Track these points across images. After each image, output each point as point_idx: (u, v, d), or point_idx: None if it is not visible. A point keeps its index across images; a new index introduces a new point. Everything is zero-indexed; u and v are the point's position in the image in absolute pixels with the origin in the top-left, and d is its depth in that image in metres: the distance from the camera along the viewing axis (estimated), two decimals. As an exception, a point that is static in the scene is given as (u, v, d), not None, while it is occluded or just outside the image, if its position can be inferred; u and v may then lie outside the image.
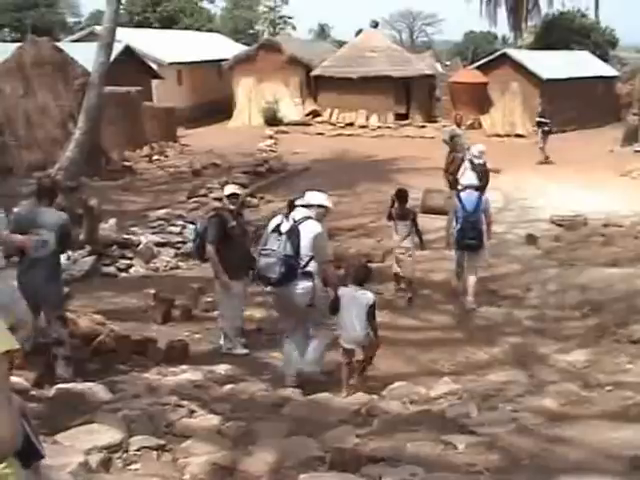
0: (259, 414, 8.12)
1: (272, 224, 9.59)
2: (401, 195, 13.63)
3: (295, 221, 9.35)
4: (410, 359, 10.71)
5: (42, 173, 9.88)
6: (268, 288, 10.14)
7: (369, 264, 11.05)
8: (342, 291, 9.32)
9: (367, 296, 9.27)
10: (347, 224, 17.86)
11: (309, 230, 9.30)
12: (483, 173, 18.48)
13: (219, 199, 21.57)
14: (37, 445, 3.29)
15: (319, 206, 9.69)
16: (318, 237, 9.35)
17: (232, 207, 11.02)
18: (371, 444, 6.98)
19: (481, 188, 16.15)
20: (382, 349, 10.47)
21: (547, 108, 31.95)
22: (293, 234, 9.22)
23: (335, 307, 9.31)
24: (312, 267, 9.35)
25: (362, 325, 9.14)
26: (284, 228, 9.33)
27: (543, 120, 29.75)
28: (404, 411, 8.25)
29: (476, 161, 18.92)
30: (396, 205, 13.67)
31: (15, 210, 8.99)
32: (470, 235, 13.29)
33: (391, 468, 6.47)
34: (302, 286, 9.32)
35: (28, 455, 3.18)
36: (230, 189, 11.40)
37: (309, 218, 9.43)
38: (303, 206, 9.61)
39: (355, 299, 9.20)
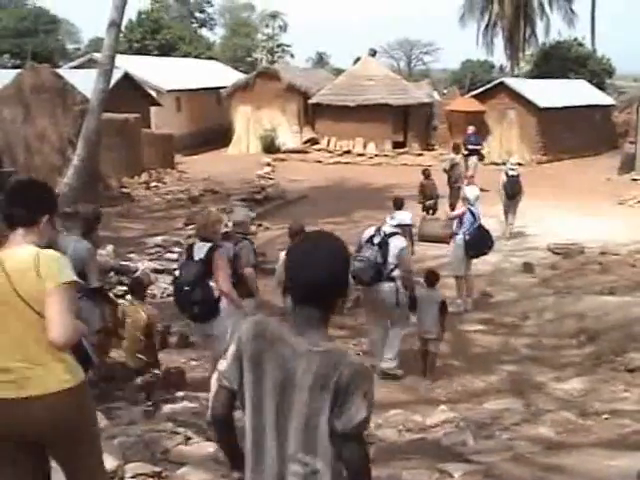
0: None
1: (366, 235, 11.24)
2: (396, 203, 13.99)
3: (385, 235, 11.01)
4: (407, 387, 10.70)
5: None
6: (359, 287, 11.47)
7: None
8: (418, 292, 11.35)
9: (438, 294, 11.68)
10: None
11: (396, 244, 10.94)
12: (517, 184, 20.86)
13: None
14: (92, 357, 4.96)
15: (406, 225, 11.85)
16: (403, 251, 11.02)
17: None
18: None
19: (514, 197, 20.54)
20: (378, 378, 10.55)
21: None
22: (383, 245, 10.87)
23: (414, 305, 11.16)
24: (395, 273, 10.90)
25: (435, 320, 11.24)
26: (376, 240, 10.98)
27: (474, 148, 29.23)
28: (400, 439, 8.25)
29: (510, 172, 20.99)
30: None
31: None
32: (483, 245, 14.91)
33: (387, 496, 6.47)
34: (388, 286, 10.86)
35: (85, 362, 4.66)
36: (240, 216, 11.82)
37: (397, 234, 11.17)
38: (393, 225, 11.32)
39: (429, 298, 11.39)
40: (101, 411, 8.63)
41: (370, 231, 11.28)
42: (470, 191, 15.66)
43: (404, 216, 12.04)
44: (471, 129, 30.62)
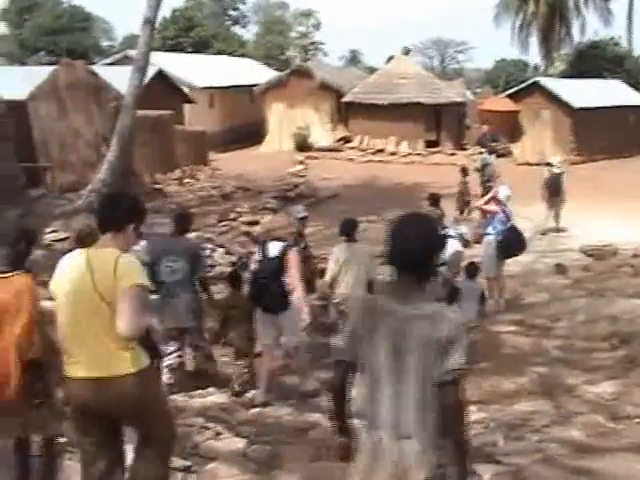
0: (285, 438, 8.13)
1: None
2: (433, 199, 14.30)
3: (445, 235, 11.51)
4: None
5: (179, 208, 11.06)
6: None
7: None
8: (460, 283, 12.38)
9: (478, 285, 12.75)
10: (375, 250, 17.84)
11: (453, 245, 11.90)
12: (560, 182, 21.87)
13: (252, 223, 21.69)
14: (159, 351, 5.78)
15: (465, 240, 12.91)
16: (457, 254, 12.13)
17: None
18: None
19: (557, 194, 21.59)
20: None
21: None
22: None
23: (455, 297, 11.67)
24: (441, 270, 11.34)
25: (476, 309, 12.21)
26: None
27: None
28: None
29: (555, 170, 21.93)
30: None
31: (148, 240, 9.94)
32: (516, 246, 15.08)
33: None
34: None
35: (152, 353, 5.32)
36: (301, 212, 12.48)
37: (454, 237, 12.23)
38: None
39: (470, 289, 12.31)
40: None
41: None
42: (502, 191, 15.62)
43: (466, 230, 13.58)
44: (485, 128, 31.68)
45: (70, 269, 5.14)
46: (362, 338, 4.00)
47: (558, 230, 22.18)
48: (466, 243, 12.99)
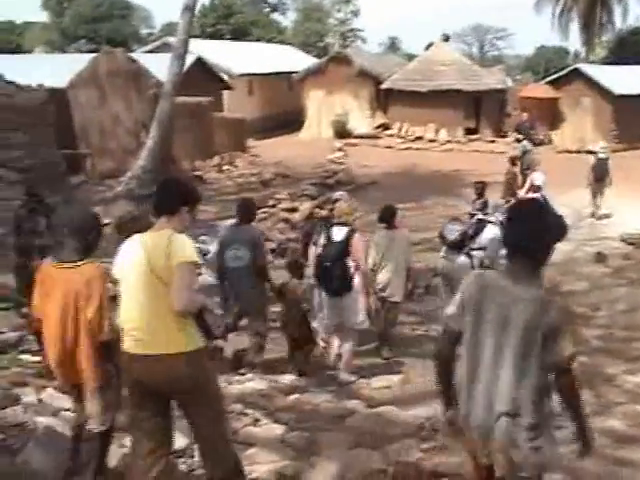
0: (323, 425, 8.14)
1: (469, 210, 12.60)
2: (478, 187, 14.28)
3: (487, 220, 11.91)
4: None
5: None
6: (442, 251, 12.16)
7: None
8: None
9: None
10: (414, 238, 17.80)
11: (494, 231, 11.53)
12: (606, 167, 22.08)
13: (291, 210, 21.73)
14: (212, 330, 5.94)
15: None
16: (495, 240, 11.24)
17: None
18: (435, 459, 6.96)
19: (602, 179, 21.82)
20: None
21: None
22: (480, 225, 11.77)
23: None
24: (476, 253, 11.58)
25: None
26: (477, 216, 12.04)
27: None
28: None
29: (600, 155, 22.13)
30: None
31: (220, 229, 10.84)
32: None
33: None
34: (464, 260, 11.53)
35: (206, 333, 5.52)
36: (335, 195, 12.48)
37: (494, 223, 11.85)
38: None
39: None
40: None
41: (473, 211, 12.59)
42: (538, 177, 15.55)
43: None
44: (524, 116, 31.95)
45: (129, 253, 5.41)
46: (470, 311, 4.34)
47: (602, 216, 22.17)
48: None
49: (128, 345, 5.36)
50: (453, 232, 11.73)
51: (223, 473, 5.60)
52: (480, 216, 12.14)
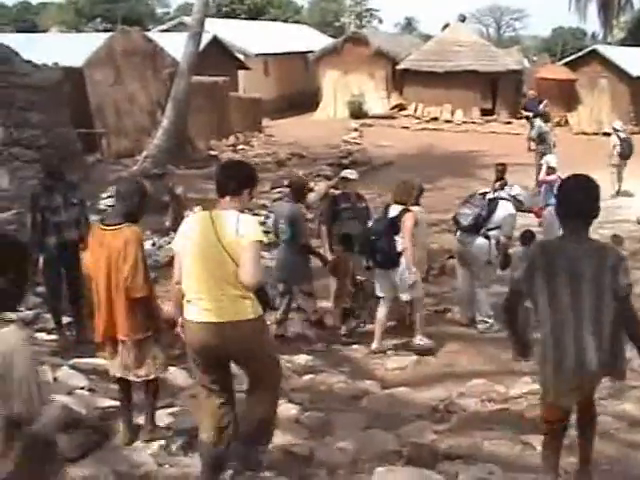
0: (337, 405, 8.17)
1: (481, 190, 12.35)
2: (499, 169, 14.23)
3: (499, 197, 11.94)
4: (490, 357, 10.63)
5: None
6: (457, 234, 12.13)
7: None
8: (514, 250, 11.92)
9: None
10: (430, 219, 17.76)
11: (507, 208, 11.78)
12: (632, 145, 22.36)
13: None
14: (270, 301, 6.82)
15: (518, 200, 12.40)
16: (510, 216, 11.82)
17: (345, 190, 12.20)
18: (448, 441, 6.97)
19: (629, 157, 22.22)
20: (462, 346, 10.59)
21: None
22: (493, 204, 11.71)
23: (507, 264, 11.49)
24: (493, 233, 11.59)
25: None
26: (489, 196, 11.93)
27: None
28: (482, 409, 8.21)
29: (622, 135, 22.44)
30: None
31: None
32: None
33: (468, 466, 6.46)
34: (481, 242, 11.51)
35: (265, 303, 5.99)
36: (344, 173, 12.62)
37: (508, 200, 11.99)
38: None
39: (523, 255, 10.83)
40: (186, 370, 8.81)
41: (485, 189, 12.49)
42: (552, 159, 15.50)
43: (518, 190, 12.85)
44: (531, 94, 32.23)
45: (195, 227, 5.83)
46: (540, 274, 5.14)
47: (624, 193, 22.59)
48: (519, 204, 12.67)
49: (194, 314, 5.75)
50: (467, 217, 11.61)
51: (252, 428, 6.02)
52: (491, 195, 12.09)
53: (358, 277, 11.56)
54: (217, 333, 5.65)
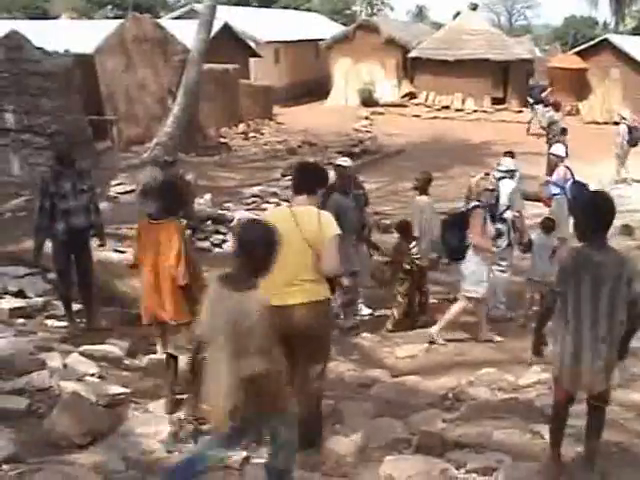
0: (347, 393, 8.17)
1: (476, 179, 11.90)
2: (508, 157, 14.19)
3: (496, 179, 11.65)
4: (500, 346, 10.62)
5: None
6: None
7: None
8: (535, 237, 11.96)
9: (553, 240, 11.96)
10: (441, 207, 17.73)
11: (507, 186, 11.84)
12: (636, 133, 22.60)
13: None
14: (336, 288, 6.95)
15: (512, 170, 12.50)
16: (513, 192, 11.91)
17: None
18: (458, 429, 6.96)
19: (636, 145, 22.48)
20: (473, 335, 10.60)
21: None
22: (495, 188, 11.37)
23: (528, 246, 11.95)
24: (507, 215, 11.74)
25: (547, 263, 11.21)
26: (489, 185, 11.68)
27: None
28: (492, 398, 8.20)
29: (628, 122, 22.83)
30: None
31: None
32: None
33: (477, 454, 6.46)
34: (499, 228, 11.47)
35: (332, 288, 6.54)
36: (339, 161, 12.37)
37: (505, 178, 12.06)
38: (500, 171, 12.28)
39: (545, 243, 11.73)
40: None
41: (480, 176, 12.07)
42: (559, 149, 15.41)
43: (509, 162, 12.85)
44: (536, 81, 33.91)
45: (278, 221, 5.90)
46: (570, 277, 5.68)
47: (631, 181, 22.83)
48: (512, 174, 12.54)
49: (279, 299, 6.07)
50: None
51: (304, 411, 6.21)
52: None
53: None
54: (298, 312, 6.26)
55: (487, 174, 12.08)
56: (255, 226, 5.36)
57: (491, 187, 10.89)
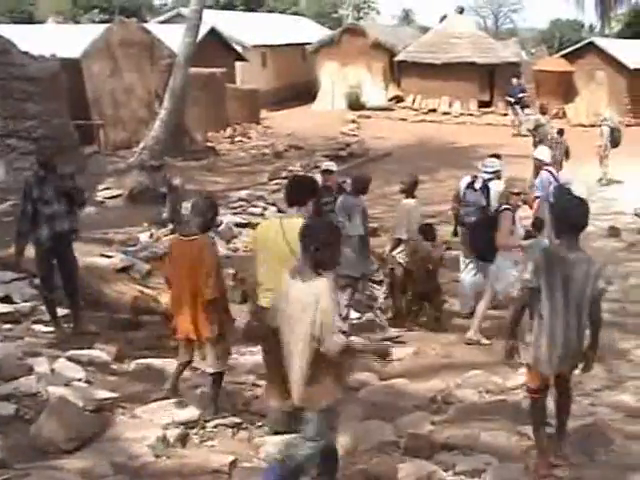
0: (335, 397, 8.15)
1: (464, 183, 12.35)
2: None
3: (484, 180, 12.02)
4: (487, 349, 10.65)
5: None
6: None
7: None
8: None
9: (545, 241, 11.30)
10: (427, 210, 17.74)
11: (496, 187, 11.79)
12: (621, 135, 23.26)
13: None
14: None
15: (497, 171, 12.37)
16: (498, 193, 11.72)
17: (326, 183, 12.11)
18: (445, 432, 6.99)
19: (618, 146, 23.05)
20: (460, 337, 10.62)
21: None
22: (485, 189, 11.94)
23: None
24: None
25: None
26: (477, 185, 12.07)
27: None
28: (479, 400, 8.23)
29: (612, 125, 23.29)
30: None
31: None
32: None
33: (465, 457, 6.48)
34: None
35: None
36: (326, 165, 12.59)
37: (493, 179, 12.10)
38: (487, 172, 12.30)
39: (536, 244, 11.12)
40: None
41: (467, 179, 12.40)
42: (541, 151, 15.42)
43: (495, 163, 12.69)
44: (515, 82, 34.82)
45: (267, 231, 6.93)
46: (543, 274, 6.13)
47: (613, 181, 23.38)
48: (498, 174, 12.52)
49: (267, 301, 6.58)
50: (473, 214, 11.95)
51: None
52: (478, 184, 12.23)
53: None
54: None
55: (475, 177, 12.22)
56: (318, 226, 5.86)
57: (517, 190, 10.93)
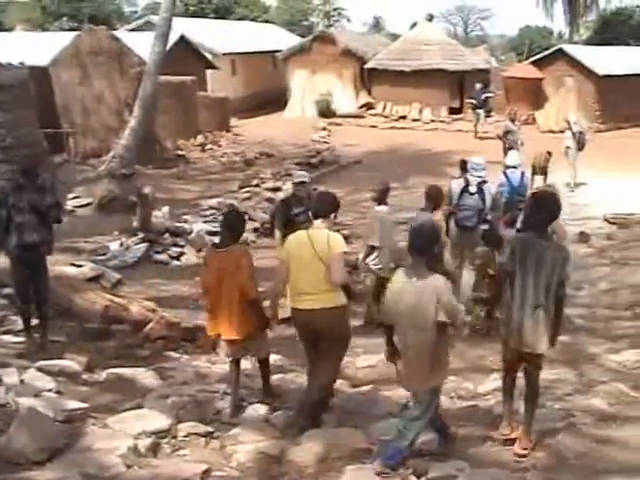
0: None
1: (456, 187, 12.52)
2: (464, 165, 14.24)
3: (479, 183, 12.28)
4: (458, 354, 10.66)
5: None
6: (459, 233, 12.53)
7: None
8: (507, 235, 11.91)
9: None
10: (399, 217, 17.81)
11: (490, 190, 12.40)
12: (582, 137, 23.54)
13: (275, 189, 21.86)
14: (351, 294, 8.10)
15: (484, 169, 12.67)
16: (496, 194, 12.60)
17: (299, 194, 12.15)
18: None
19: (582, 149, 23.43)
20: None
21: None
22: (481, 193, 12.25)
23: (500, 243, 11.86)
24: (490, 216, 12.37)
25: None
26: (472, 189, 12.31)
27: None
28: (452, 406, 8.24)
29: (577, 129, 23.46)
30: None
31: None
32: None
33: (438, 463, 6.49)
34: (483, 228, 12.32)
35: (348, 295, 7.77)
36: (299, 177, 12.47)
37: (486, 182, 12.44)
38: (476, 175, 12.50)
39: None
40: (154, 371, 8.78)
41: (459, 183, 12.62)
42: (510, 157, 15.44)
43: (480, 164, 12.75)
44: (478, 86, 35.21)
45: (297, 242, 7.74)
46: (517, 258, 6.86)
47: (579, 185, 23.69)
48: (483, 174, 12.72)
49: (298, 304, 7.69)
50: (470, 219, 12.33)
51: (314, 393, 7.68)
52: (473, 188, 12.41)
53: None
54: (313, 316, 7.54)
55: (467, 180, 12.48)
56: (429, 229, 6.82)
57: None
